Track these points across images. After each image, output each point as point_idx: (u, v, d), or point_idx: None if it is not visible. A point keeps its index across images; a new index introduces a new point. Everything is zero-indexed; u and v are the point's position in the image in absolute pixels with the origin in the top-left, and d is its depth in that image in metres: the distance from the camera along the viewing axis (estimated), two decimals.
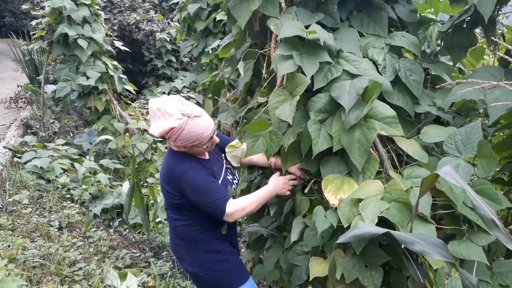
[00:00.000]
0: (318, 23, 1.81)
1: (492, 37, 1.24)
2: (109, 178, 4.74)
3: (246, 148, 1.92)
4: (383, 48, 1.81)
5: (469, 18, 1.75)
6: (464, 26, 1.84)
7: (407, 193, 1.48)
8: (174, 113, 1.70)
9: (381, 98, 1.75)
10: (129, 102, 5.98)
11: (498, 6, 1.72)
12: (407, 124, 1.80)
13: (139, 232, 4.06)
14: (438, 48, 1.95)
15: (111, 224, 4.08)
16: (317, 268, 1.73)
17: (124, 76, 5.75)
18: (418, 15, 1.97)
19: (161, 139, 6.07)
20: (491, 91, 1.56)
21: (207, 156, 1.99)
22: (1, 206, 3.40)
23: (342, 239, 1.22)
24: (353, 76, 1.70)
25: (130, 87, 5.72)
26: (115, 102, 5.49)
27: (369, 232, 1.19)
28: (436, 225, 1.47)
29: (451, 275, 1.45)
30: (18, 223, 3.18)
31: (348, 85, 1.65)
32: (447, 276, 1.45)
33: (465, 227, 1.51)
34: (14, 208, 3.43)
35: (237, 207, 1.80)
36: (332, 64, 1.73)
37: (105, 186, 4.53)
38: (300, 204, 1.96)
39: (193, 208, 1.86)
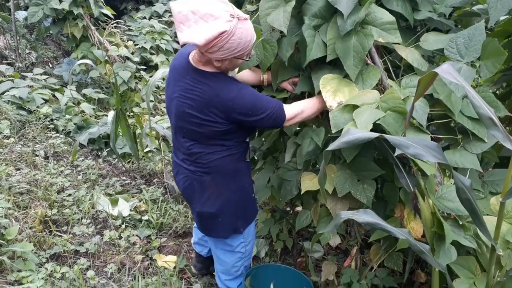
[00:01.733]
0: None
1: None
2: (93, 109, 4.60)
3: None
4: None
5: None
6: None
7: (404, 102, 1.41)
8: (220, 15, 1.38)
9: (380, 4, 1.62)
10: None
11: None
12: (405, 34, 1.69)
13: (129, 162, 4.03)
14: None
15: (100, 154, 4.03)
16: (309, 182, 1.72)
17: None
18: None
19: (144, 67, 5.83)
20: None
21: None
22: None
23: (333, 145, 1.18)
24: None
25: (108, 11, 5.33)
26: (93, 28, 5.15)
27: (361, 137, 1.13)
28: (431, 135, 1.44)
29: (443, 183, 1.45)
30: (0, 152, 3.09)
31: None
32: (439, 185, 1.45)
33: (460, 137, 1.47)
34: None
35: (296, 110, 1.65)
36: None
37: (90, 116, 4.40)
38: None
39: (236, 132, 1.68)
